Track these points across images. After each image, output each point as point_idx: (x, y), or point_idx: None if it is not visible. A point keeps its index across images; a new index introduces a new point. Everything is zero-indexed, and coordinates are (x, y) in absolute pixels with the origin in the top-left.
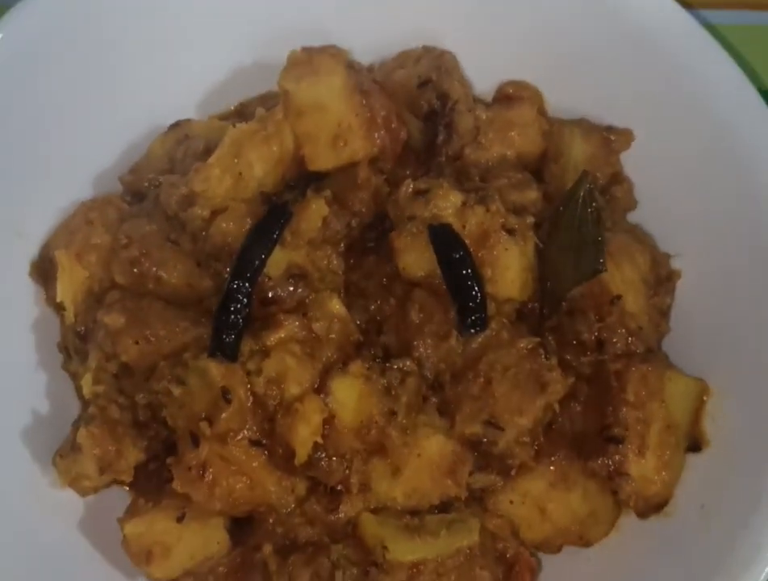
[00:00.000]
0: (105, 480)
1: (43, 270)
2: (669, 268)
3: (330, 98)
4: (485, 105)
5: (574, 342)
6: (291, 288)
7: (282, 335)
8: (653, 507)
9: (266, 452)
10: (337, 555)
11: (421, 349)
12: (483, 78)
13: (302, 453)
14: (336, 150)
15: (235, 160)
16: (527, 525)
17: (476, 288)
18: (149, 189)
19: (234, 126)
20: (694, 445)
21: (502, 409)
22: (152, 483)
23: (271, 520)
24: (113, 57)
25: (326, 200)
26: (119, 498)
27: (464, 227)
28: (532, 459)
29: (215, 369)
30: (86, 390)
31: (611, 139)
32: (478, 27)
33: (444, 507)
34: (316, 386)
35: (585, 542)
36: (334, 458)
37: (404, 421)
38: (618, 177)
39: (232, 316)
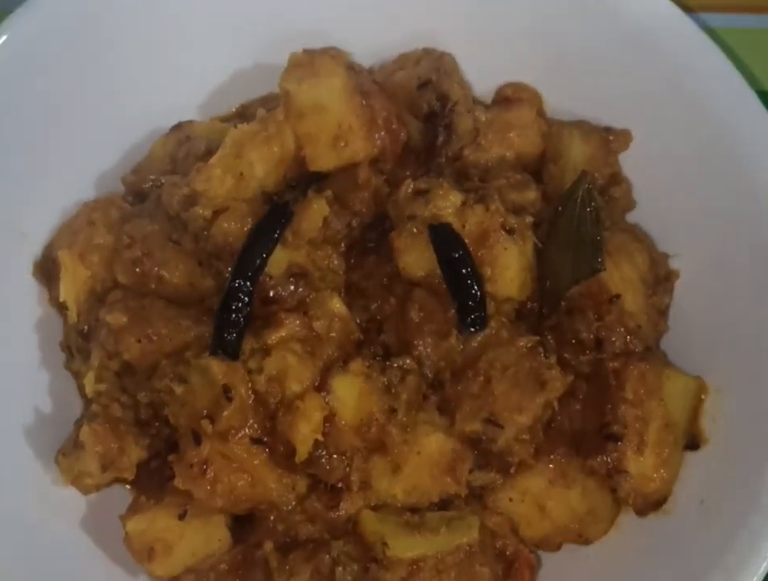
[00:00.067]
0: (107, 478)
1: (47, 270)
2: (668, 268)
3: (330, 99)
4: (484, 107)
5: (573, 341)
6: (292, 287)
7: (283, 333)
8: (652, 504)
9: (267, 450)
10: (338, 552)
11: (421, 348)
12: (482, 80)
13: (302, 451)
14: (337, 151)
15: (237, 161)
16: (526, 523)
17: (475, 287)
18: (151, 189)
19: (235, 127)
20: (693, 443)
21: (501, 407)
22: (153, 482)
23: (272, 518)
24: (115, 59)
25: (327, 200)
26: (121, 496)
27: (463, 226)
28: (532, 457)
29: (217, 368)
30: (89, 388)
31: (610, 139)
32: (477, 29)
33: (443, 504)
34: (317, 384)
35: (584, 540)
36: (334, 456)
37: (404, 419)
38: (616, 178)
39: (234, 315)
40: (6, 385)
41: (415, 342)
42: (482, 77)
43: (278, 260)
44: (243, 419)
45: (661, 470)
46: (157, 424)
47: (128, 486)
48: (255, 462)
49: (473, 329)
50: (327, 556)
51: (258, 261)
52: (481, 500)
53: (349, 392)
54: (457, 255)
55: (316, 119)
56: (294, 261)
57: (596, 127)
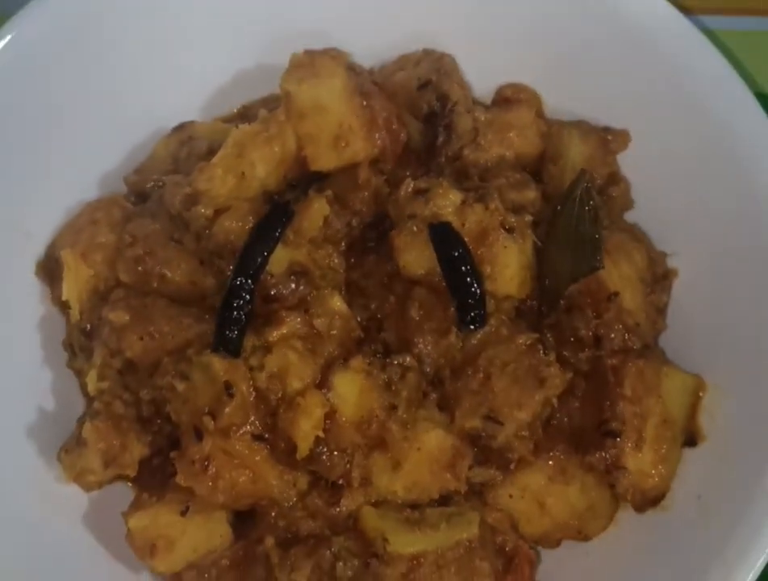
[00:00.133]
0: (109, 475)
1: (49, 269)
2: (666, 266)
3: (331, 99)
4: (484, 107)
5: (572, 339)
6: (293, 285)
7: (284, 331)
8: (651, 500)
9: (268, 446)
10: (338, 547)
11: (421, 346)
12: (482, 81)
13: (303, 448)
14: (337, 151)
15: (238, 160)
16: (526, 519)
17: (475, 285)
18: (153, 189)
19: (237, 127)
20: (691, 439)
21: (501, 404)
22: (155, 479)
23: (273, 514)
24: (117, 60)
25: (327, 200)
26: (123, 494)
27: (463, 225)
28: (531, 453)
29: (218, 365)
30: (91, 386)
31: (609, 139)
32: (477, 30)
33: (444, 501)
34: (318, 381)
35: (583, 536)
36: (335, 453)
37: (404, 416)
38: (615, 178)
39: (235, 313)
40: (8, 383)
41: (415, 340)
42: (482, 77)
43: (279, 258)
44: (244, 415)
45: (660, 467)
46: (159, 421)
47: (130, 484)
48: (256, 459)
49: (472, 327)
50: (328, 551)
51: (259, 260)
52: (480, 497)
53: (350, 389)
54: (456, 253)
55: (317, 119)
56: (295, 260)
57: (595, 128)
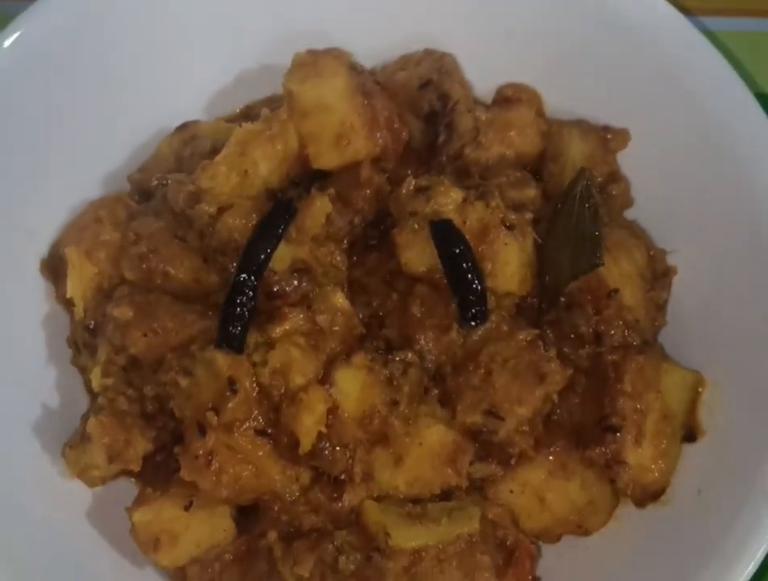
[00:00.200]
0: (113, 470)
1: (54, 267)
2: (666, 264)
3: (333, 98)
4: (484, 107)
5: (572, 336)
6: (296, 282)
7: (287, 327)
8: (651, 495)
9: (271, 441)
10: (341, 541)
11: (422, 342)
12: (483, 81)
13: (306, 443)
14: (340, 149)
15: (241, 159)
16: (526, 514)
17: (476, 282)
18: (157, 187)
19: (240, 126)
20: (690, 435)
21: (502, 399)
22: (159, 475)
23: (276, 508)
24: (120, 60)
25: (329, 198)
26: (126, 490)
27: (464, 222)
28: (532, 449)
29: (222, 360)
30: (95, 382)
31: (608, 138)
32: (478, 31)
33: (445, 495)
34: (320, 377)
35: (584, 531)
36: (337, 448)
37: (406, 411)
38: (615, 176)
39: (239, 309)
40: (13, 380)
41: (417, 336)
42: (483, 77)
43: (282, 256)
44: (247, 411)
45: (660, 461)
46: (162, 417)
47: (133, 480)
48: (259, 454)
49: (473, 323)
50: (331, 545)
51: (263, 257)
52: (481, 492)
53: (352, 385)
54: (457, 250)
55: (319, 118)
56: (298, 257)
57: (595, 127)
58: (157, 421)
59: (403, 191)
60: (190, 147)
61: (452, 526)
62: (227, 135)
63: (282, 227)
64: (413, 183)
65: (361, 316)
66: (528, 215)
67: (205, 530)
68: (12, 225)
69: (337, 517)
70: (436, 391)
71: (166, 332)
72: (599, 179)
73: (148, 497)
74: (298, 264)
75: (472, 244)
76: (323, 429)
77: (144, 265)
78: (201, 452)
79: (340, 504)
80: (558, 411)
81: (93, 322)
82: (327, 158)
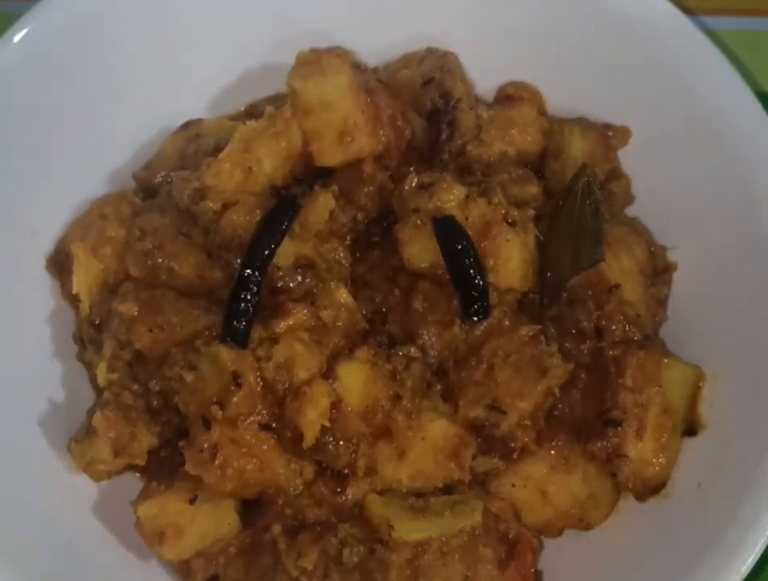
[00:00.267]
0: (118, 464)
1: (59, 264)
2: (666, 260)
3: (337, 96)
4: (486, 105)
5: (574, 331)
6: (299, 278)
7: (291, 322)
8: (651, 489)
9: (275, 435)
10: (344, 534)
11: (425, 337)
12: (484, 80)
13: (309, 436)
14: (343, 146)
15: (245, 156)
16: (528, 508)
17: (478, 277)
18: (162, 184)
19: (244, 123)
20: (691, 429)
21: (504, 393)
22: (163, 470)
23: (280, 502)
24: (124, 60)
25: (333, 194)
26: (131, 485)
27: (467, 218)
28: (534, 442)
29: (226, 355)
30: (101, 378)
31: (609, 136)
32: (479, 31)
33: (447, 489)
34: (324, 371)
35: (585, 525)
36: (341, 442)
37: (409, 405)
38: (616, 173)
39: (243, 304)
40: (19, 376)
41: (420, 332)
42: (484, 76)
43: (286, 251)
44: (252, 405)
45: (660, 455)
46: (167, 412)
47: (138, 475)
48: (263, 448)
49: (476, 318)
50: (334, 538)
51: (267, 252)
52: (483, 486)
53: (355, 379)
54: (460, 246)
55: (323, 115)
56: (302, 253)
57: (596, 124)
58: (162, 416)
59: (406, 188)
60: (194, 145)
61: (454, 519)
62: (231, 132)
63: (286, 223)
64: (416, 180)
65: (364, 312)
66: (530, 212)
67: (210, 524)
68: (17, 223)
69: (341, 511)
70: (439, 386)
71: (171, 328)
72: (600, 176)
73: (153, 491)
74: (301, 260)
75: (474, 241)
76: (327, 423)
77: (149, 261)
78: (206, 446)
79: (343, 498)
80: (560, 405)
81: (98, 318)
82: (330, 155)
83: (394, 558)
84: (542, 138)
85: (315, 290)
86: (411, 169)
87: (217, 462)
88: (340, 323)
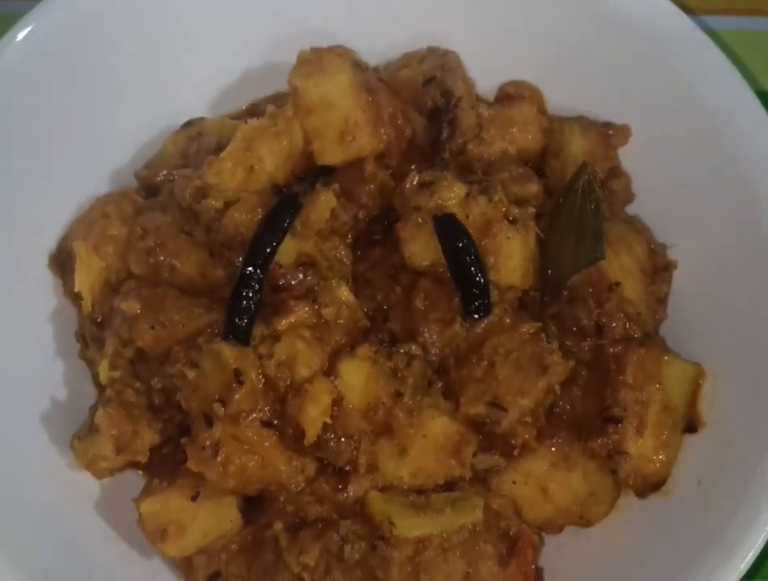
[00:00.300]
0: (121, 461)
1: (61, 262)
2: (666, 258)
3: (338, 95)
4: (487, 104)
5: (574, 329)
6: (301, 276)
7: (292, 320)
8: (652, 485)
9: (277, 432)
10: (346, 530)
11: (426, 335)
12: (485, 79)
13: (311, 433)
14: (344, 145)
15: (247, 155)
16: (529, 505)
17: (479, 275)
18: (163, 183)
19: (246, 122)
20: (691, 426)
21: (505, 390)
22: (165, 468)
23: (282, 499)
24: (126, 61)
25: (334, 193)
26: (134, 482)
27: (467, 216)
28: (534, 439)
29: (228, 352)
30: (103, 375)
31: (610, 134)
32: (479, 30)
33: (448, 487)
34: (325, 369)
35: (586, 522)
36: (342, 439)
37: (410, 403)
38: (616, 171)
39: (245, 302)
40: (22, 374)
41: (421, 329)
42: (485, 75)
43: (288, 249)
44: (253, 402)
45: (661, 452)
46: (169, 410)
47: (141, 472)
48: (265, 445)
49: (476, 316)
50: (336, 535)
51: (268, 250)
52: (484, 483)
53: (357, 376)
54: (461, 244)
55: (324, 114)
56: (303, 251)
57: (596, 123)
58: (164, 414)
59: (407, 186)
60: (196, 143)
61: (455, 516)
62: (233, 131)
63: (288, 221)
64: (417, 178)
65: (365, 310)
66: (531, 210)
67: (212, 520)
68: (19, 222)
69: (342, 508)
70: (440, 384)
71: (173, 325)
72: (600, 175)
73: (156, 488)
74: (303, 258)
75: (475, 238)
76: (328, 420)
77: (151, 260)
78: (208, 443)
79: (344, 495)
80: (560, 402)
81: (100, 316)
82: (331, 154)
83: (396, 554)
84: (542, 136)
85: (316, 288)
86: (412, 167)
87: (219, 459)
88: (341, 321)
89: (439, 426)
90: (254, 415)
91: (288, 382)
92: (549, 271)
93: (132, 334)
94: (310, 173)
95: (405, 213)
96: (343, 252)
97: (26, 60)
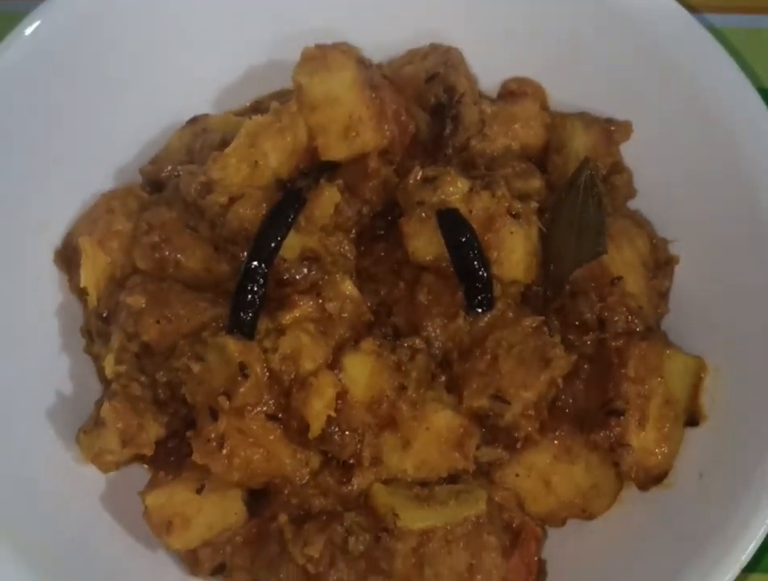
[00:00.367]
0: (126, 455)
1: (67, 258)
2: (668, 253)
3: (342, 91)
4: (490, 100)
5: (577, 323)
6: (305, 270)
7: (297, 314)
8: (654, 478)
9: (282, 426)
10: (350, 522)
11: (429, 329)
12: (487, 76)
13: (315, 427)
14: (348, 141)
15: (252, 150)
16: (532, 498)
17: (482, 269)
18: (168, 179)
19: (250, 118)
20: (693, 419)
21: (508, 384)
22: (171, 461)
23: (286, 492)
24: (128, 60)
25: (338, 188)
26: (139, 476)
27: (470, 211)
28: (537, 432)
29: (233, 346)
30: (109, 369)
31: (612, 130)
32: (482, 27)
33: (452, 479)
34: (329, 362)
35: (588, 515)
36: (346, 432)
37: (414, 396)
38: (618, 167)
39: (250, 296)
40: (27, 369)
41: (424, 323)
42: (487, 72)
43: (292, 244)
44: (258, 395)
45: (663, 445)
46: (174, 404)
47: (146, 466)
48: (270, 438)
49: (480, 310)
50: (340, 526)
51: (273, 244)
52: (487, 476)
53: (361, 370)
54: (464, 239)
55: (328, 110)
56: (307, 246)
57: (598, 119)
58: (169, 407)
59: (410, 181)
60: (201, 139)
61: (459, 508)
62: (237, 128)
63: (292, 216)
64: (420, 173)
65: (369, 304)
66: (533, 205)
67: (217, 513)
68: (25, 218)
69: (346, 500)
70: (443, 377)
71: (178, 319)
72: (603, 170)
73: (161, 481)
74: (307, 252)
75: (478, 233)
76: (333, 414)
77: (156, 255)
78: (213, 435)
79: (349, 488)
80: (563, 396)
81: (106, 310)
82: (335, 150)
83: (400, 546)
84: (545, 132)
85: (320, 283)
86: (416, 163)
87: (224, 452)
88: (345, 315)
89: (442, 419)
90: (259, 409)
91: (292, 376)
92: (552, 266)
93: (138, 328)
94: (315, 168)
95: (408, 208)
96: (347, 247)
97: (26, 60)
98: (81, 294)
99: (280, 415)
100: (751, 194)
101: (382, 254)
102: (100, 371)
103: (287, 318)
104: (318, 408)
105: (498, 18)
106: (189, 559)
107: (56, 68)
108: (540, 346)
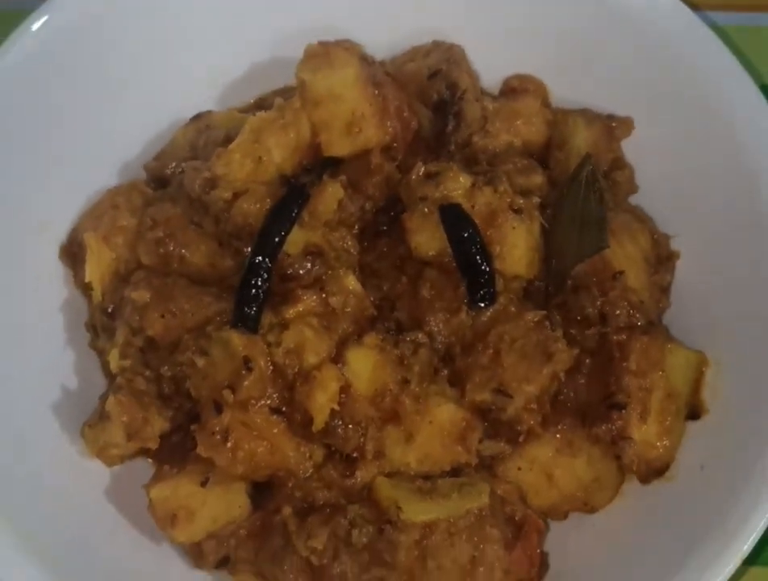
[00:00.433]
0: (131, 448)
1: (72, 253)
2: (669, 248)
3: (345, 88)
4: (492, 97)
5: (579, 317)
6: (309, 265)
7: (301, 308)
8: (655, 471)
9: (286, 419)
10: (354, 515)
11: (432, 323)
12: (490, 73)
13: (319, 420)
14: (351, 137)
15: (255, 146)
16: (534, 492)
17: (485, 264)
18: (173, 175)
19: (254, 115)
20: (694, 413)
21: (510, 378)
22: (175, 455)
23: (290, 485)
24: (128, 60)
25: (341, 184)
26: (144, 470)
27: (473, 207)
28: (539, 426)
29: (237, 340)
30: (113, 364)
31: (613, 126)
32: (484, 24)
33: (455, 473)
34: (333, 356)
35: (590, 508)
36: (350, 426)
37: (417, 389)
38: (619, 163)
39: (254, 290)
40: (33, 364)
41: (427, 318)
42: (489, 69)
43: (296, 239)
44: (262, 389)
45: (664, 438)
46: (179, 398)
47: (150, 460)
48: (274, 431)
49: (482, 305)
50: (344, 519)
51: (277, 239)
52: (490, 469)
53: (364, 364)
54: (466, 234)
55: (331, 107)
56: (311, 241)
57: (599, 115)
58: (174, 402)
59: (413, 177)
60: (205, 136)
61: (462, 501)
62: (241, 124)
63: (295, 211)
64: (423, 169)
65: (372, 299)
66: (535, 200)
67: (221, 506)
68: (31, 214)
69: (350, 493)
70: (446, 371)
71: (183, 314)
72: (604, 166)
73: (165, 474)
74: (311, 247)
75: (480, 228)
76: (336, 407)
77: (161, 250)
78: (217, 429)
79: (352, 481)
80: (565, 390)
81: (111, 305)
82: (338, 146)
83: (403, 538)
84: (546, 129)
85: (324, 278)
86: (419, 159)
87: (228, 445)
88: (348, 310)
89: (445, 413)
90: (263, 402)
91: (296, 370)
92: (554, 261)
93: (142, 323)
94: (318, 164)
95: (411, 204)
96: (350, 243)
97: (26, 59)
98: (86, 289)
99: (284, 409)
100: (752, 189)
101: (385, 249)
102: (105, 366)
103: (291, 312)
104: (321, 402)
105: (499, 15)
106: (194, 552)
107: (57, 67)
108: (543, 340)
